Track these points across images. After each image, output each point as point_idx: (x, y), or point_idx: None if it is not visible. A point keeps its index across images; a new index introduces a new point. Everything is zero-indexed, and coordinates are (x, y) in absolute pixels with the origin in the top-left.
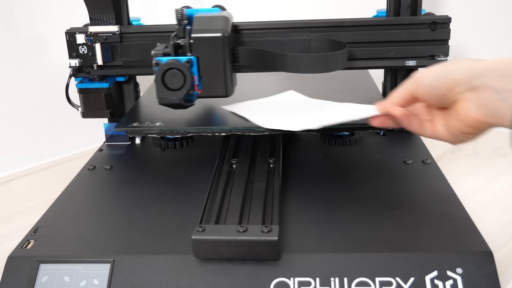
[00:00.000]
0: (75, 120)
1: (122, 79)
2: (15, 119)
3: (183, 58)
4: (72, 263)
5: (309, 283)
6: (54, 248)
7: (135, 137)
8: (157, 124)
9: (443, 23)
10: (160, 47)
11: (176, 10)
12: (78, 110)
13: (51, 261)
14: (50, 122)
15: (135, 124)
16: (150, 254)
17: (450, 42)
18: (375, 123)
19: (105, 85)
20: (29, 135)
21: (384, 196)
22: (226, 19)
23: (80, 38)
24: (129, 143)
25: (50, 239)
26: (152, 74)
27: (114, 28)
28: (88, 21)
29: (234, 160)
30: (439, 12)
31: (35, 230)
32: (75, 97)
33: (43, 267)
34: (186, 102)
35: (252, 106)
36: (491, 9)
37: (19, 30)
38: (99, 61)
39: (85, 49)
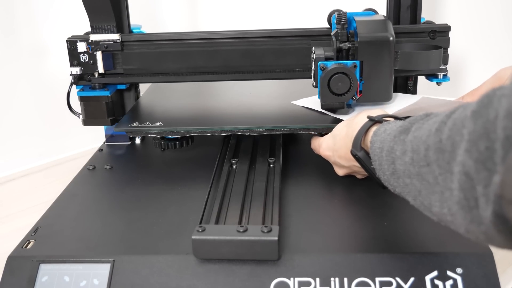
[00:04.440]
0: (75, 120)
1: (123, 87)
2: (16, 120)
3: (349, 62)
4: (72, 263)
5: (309, 283)
6: (54, 248)
7: (135, 137)
8: (157, 124)
9: (443, 31)
10: (319, 50)
11: (338, 14)
12: (79, 117)
13: (51, 261)
14: (50, 122)
15: (135, 124)
16: (150, 254)
17: (450, 51)
18: None
19: (106, 93)
20: (29, 135)
21: (384, 196)
22: (388, 22)
23: (81, 46)
24: (129, 143)
25: (50, 239)
26: (153, 82)
27: (115, 37)
28: (89, 29)
29: (234, 160)
30: (438, 20)
31: (35, 230)
32: (76, 105)
33: (43, 267)
34: (347, 107)
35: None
36: (489, 17)
37: (21, 37)
38: (100, 69)
39: (86, 57)
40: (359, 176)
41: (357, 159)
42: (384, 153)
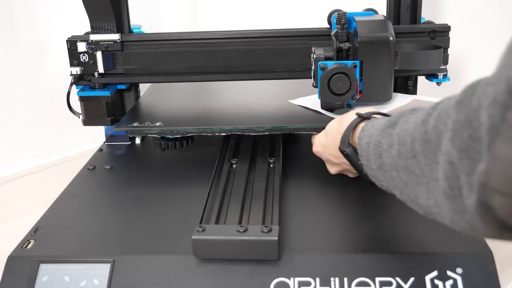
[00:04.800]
0: (75, 120)
1: (123, 87)
2: (16, 120)
3: (349, 62)
4: (72, 263)
5: (309, 283)
6: (54, 248)
7: (135, 137)
8: (157, 124)
9: (443, 31)
10: (319, 50)
11: (338, 14)
12: (79, 118)
13: (51, 261)
14: (50, 122)
15: (135, 124)
16: (150, 254)
17: (450, 51)
18: None
19: (106, 93)
20: (29, 135)
21: (384, 196)
22: (388, 22)
23: (81, 46)
24: (129, 143)
25: (50, 239)
26: (153, 82)
27: (115, 37)
28: (89, 29)
29: (234, 160)
30: (438, 20)
31: (35, 230)
32: (76, 105)
33: (43, 267)
34: (347, 107)
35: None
36: (489, 17)
37: (22, 37)
38: (100, 69)
39: (86, 57)
40: (350, 175)
41: (345, 155)
42: (371, 147)
